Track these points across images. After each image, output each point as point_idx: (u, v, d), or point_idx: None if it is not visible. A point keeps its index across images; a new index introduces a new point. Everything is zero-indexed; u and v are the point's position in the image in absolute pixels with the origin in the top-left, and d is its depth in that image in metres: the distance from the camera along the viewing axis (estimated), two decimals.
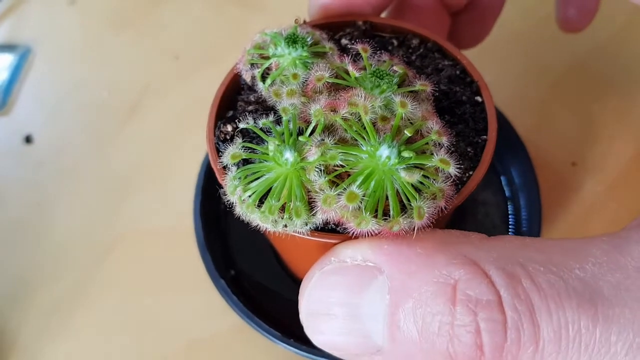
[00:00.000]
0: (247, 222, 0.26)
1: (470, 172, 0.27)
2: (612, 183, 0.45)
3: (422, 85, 0.27)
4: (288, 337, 0.37)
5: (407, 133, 0.24)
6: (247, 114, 0.29)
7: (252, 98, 0.30)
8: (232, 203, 0.25)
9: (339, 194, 0.23)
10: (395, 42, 0.33)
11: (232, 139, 0.28)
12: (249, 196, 0.25)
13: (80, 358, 0.42)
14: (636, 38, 0.52)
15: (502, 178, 0.44)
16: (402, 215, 0.23)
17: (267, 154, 0.25)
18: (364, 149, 0.24)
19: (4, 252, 0.46)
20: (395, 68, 0.27)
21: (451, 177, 0.24)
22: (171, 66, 0.54)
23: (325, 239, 0.25)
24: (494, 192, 0.43)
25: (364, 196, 0.23)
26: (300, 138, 0.25)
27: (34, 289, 0.44)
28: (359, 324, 0.23)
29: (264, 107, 0.29)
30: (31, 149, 0.51)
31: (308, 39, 0.29)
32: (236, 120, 0.28)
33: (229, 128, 0.29)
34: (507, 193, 0.43)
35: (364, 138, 0.24)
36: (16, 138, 0.52)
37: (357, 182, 0.23)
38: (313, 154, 0.24)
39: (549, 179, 0.45)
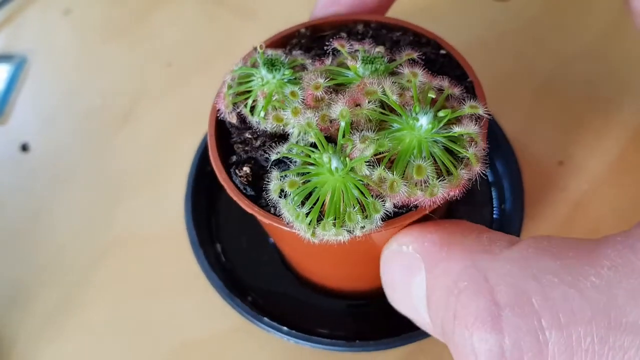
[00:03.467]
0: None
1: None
2: (597, 182, 0.46)
3: (408, 55, 0.28)
4: (291, 329, 0.38)
5: (431, 95, 0.25)
6: (257, 149, 0.29)
7: (248, 135, 0.30)
8: (300, 229, 0.25)
9: (402, 176, 0.24)
10: (344, 34, 0.33)
11: (254, 178, 0.28)
12: (307, 214, 0.25)
13: None
14: (622, 39, 0.53)
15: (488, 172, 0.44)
16: (460, 168, 0.25)
17: (317, 170, 0.25)
18: (398, 127, 0.25)
19: (1, 258, 0.47)
20: (377, 49, 0.28)
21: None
22: (164, 73, 0.55)
23: (395, 225, 0.26)
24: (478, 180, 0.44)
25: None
26: (340, 142, 0.25)
27: (31, 293, 0.45)
28: (413, 302, 0.26)
29: (270, 137, 0.29)
30: (28, 157, 0.52)
31: (282, 58, 0.29)
32: (249, 160, 0.28)
33: (247, 169, 0.28)
34: (490, 180, 0.44)
35: (394, 119, 0.25)
36: (13, 147, 0.52)
37: (412, 157, 0.25)
38: (362, 150, 0.24)
39: (535, 178, 0.46)
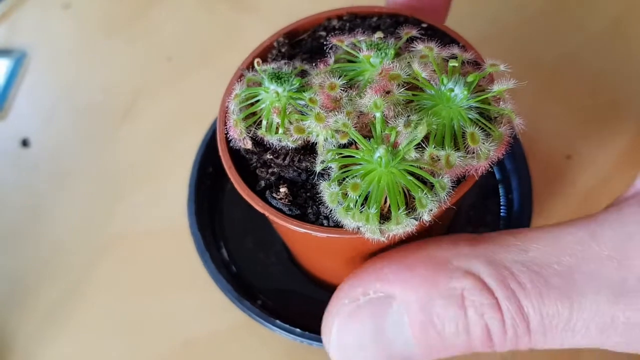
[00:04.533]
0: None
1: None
2: (606, 176, 0.46)
3: (407, 34, 0.28)
4: (294, 326, 0.37)
5: (454, 64, 0.25)
6: (285, 169, 0.28)
7: (269, 156, 0.28)
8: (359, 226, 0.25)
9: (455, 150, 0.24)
10: (322, 33, 0.32)
11: (293, 196, 0.27)
12: (360, 204, 0.24)
13: (77, 359, 0.42)
14: (628, 32, 0.52)
15: (494, 166, 0.44)
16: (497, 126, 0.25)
17: (365, 170, 0.25)
18: (433, 102, 0.25)
19: (1, 254, 0.47)
20: (377, 36, 0.28)
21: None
22: (164, 68, 0.55)
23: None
24: (485, 174, 0.43)
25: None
26: (379, 133, 0.25)
27: (31, 291, 0.45)
28: (388, 348, 0.26)
29: (296, 151, 0.28)
30: (28, 153, 0.51)
31: (285, 69, 0.28)
32: (283, 181, 0.27)
33: (285, 190, 0.27)
34: (497, 175, 0.43)
35: (425, 97, 0.25)
36: (13, 142, 0.52)
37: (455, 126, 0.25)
38: (407, 135, 0.24)
39: (543, 172, 0.45)
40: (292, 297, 0.42)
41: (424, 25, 0.32)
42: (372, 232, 0.24)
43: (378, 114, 0.24)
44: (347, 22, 0.33)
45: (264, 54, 0.32)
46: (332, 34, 0.32)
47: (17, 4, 0.59)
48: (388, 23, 0.32)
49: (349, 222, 0.25)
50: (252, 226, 0.43)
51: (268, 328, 0.38)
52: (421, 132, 0.24)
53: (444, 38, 0.31)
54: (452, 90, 0.25)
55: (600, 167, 0.46)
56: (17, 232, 0.47)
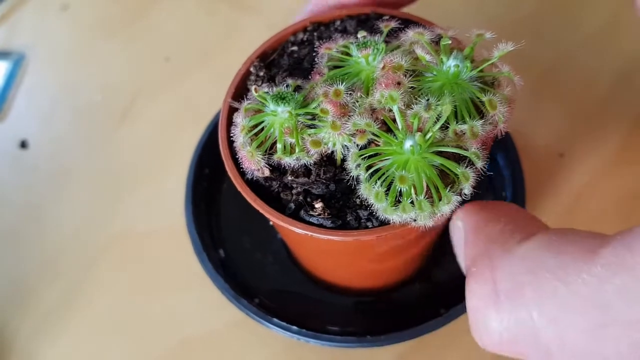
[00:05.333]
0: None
1: None
2: (598, 174, 0.46)
3: (387, 26, 0.29)
4: (291, 324, 0.38)
5: (447, 41, 0.27)
6: (313, 185, 0.28)
7: (290, 177, 0.28)
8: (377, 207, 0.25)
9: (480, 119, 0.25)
10: (294, 48, 0.33)
11: (335, 212, 0.27)
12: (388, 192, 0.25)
13: (77, 358, 0.43)
14: (622, 32, 0.53)
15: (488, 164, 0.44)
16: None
17: (397, 163, 0.25)
18: (442, 82, 0.26)
19: (0, 255, 0.47)
20: (361, 35, 0.28)
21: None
22: (162, 68, 0.55)
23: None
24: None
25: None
26: (402, 123, 0.25)
27: (31, 291, 0.45)
28: (462, 262, 0.29)
29: (317, 165, 0.28)
30: (27, 154, 0.52)
31: (284, 87, 0.28)
32: (312, 201, 0.27)
33: (320, 205, 0.27)
34: (490, 173, 0.44)
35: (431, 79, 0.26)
36: (12, 143, 0.52)
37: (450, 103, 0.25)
38: (430, 118, 0.25)
39: (536, 170, 0.45)
40: (288, 296, 0.42)
41: (389, 16, 0.32)
42: (424, 219, 0.25)
43: (395, 107, 0.25)
44: (313, 32, 0.33)
45: (243, 81, 0.32)
46: (302, 46, 0.32)
47: (15, 6, 0.60)
48: (353, 24, 0.32)
49: (397, 216, 0.25)
50: (248, 226, 0.44)
51: (265, 326, 0.39)
52: (446, 111, 0.24)
53: (419, 26, 0.30)
54: (457, 66, 0.26)
55: (593, 166, 0.47)
56: (17, 232, 0.48)
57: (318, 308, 0.41)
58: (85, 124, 0.53)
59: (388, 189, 0.25)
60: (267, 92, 0.28)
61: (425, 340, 0.40)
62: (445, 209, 0.25)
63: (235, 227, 0.44)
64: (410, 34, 0.27)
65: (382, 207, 0.25)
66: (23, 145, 0.52)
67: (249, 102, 0.28)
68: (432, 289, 0.42)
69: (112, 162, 0.50)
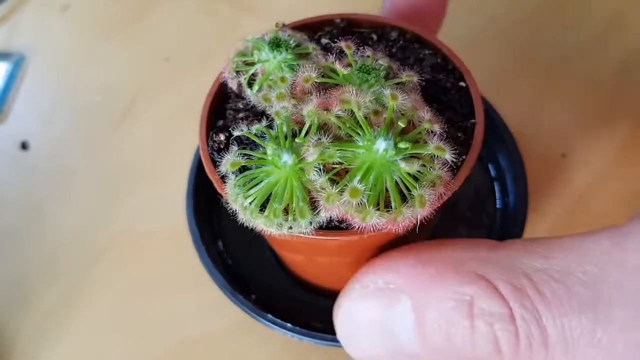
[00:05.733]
0: (251, 228, 0.26)
1: (464, 156, 0.27)
2: (601, 174, 0.46)
3: (408, 77, 0.27)
4: (286, 321, 0.38)
5: (401, 124, 0.24)
6: (238, 121, 0.29)
7: (240, 105, 0.30)
8: (235, 211, 0.26)
9: (341, 191, 0.23)
10: (374, 37, 0.33)
11: (226, 147, 0.28)
12: (250, 202, 0.25)
13: (77, 359, 0.43)
14: (624, 31, 0.53)
15: (490, 165, 0.44)
16: (404, 205, 0.24)
17: (265, 159, 0.25)
18: (361, 144, 0.24)
19: (1, 256, 0.47)
20: (380, 62, 0.27)
21: (447, 163, 0.24)
22: (162, 68, 0.55)
23: (329, 236, 0.26)
24: (481, 173, 0.44)
25: (365, 191, 0.23)
26: (296, 140, 0.25)
27: (31, 291, 0.45)
28: (393, 339, 0.26)
29: (254, 113, 0.29)
30: (27, 155, 0.52)
31: (291, 42, 0.29)
32: (229, 129, 0.28)
33: (222, 137, 0.29)
34: (493, 174, 0.44)
35: (359, 134, 0.24)
36: (12, 145, 0.52)
37: (357, 178, 0.24)
38: (311, 154, 0.24)
39: (539, 170, 0.45)
40: (285, 293, 0.42)
41: (462, 84, 0.31)
42: (237, 208, 0.25)
43: (308, 122, 0.25)
44: (405, 40, 0.33)
45: (319, 26, 0.33)
46: (381, 42, 0.32)
47: (15, 7, 0.59)
48: (434, 62, 0.32)
49: (228, 191, 0.26)
50: (250, 229, 0.44)
51: (261, 322, 0.38)
52: (313, 156, 0.24)
53: (466, 105, 0.30)
54: (373, 142, 0.24)
55: (596, 166, 0.46)
56: (17, 233, 0.48)
57: (311, 306, 0.41)
58: (85, 124, 0.53)
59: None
60: (292, 36, 0.29)
61: None
62: (259, 222, 0.25)
63: (235, 223, 0.44)
64: (388, 92, 0.25)
65: (224, 172, 0.26)
66: (23, 146, 0.52)
67: (267, 36, 0.29)
68: None
69: (112, 163, 0.50)
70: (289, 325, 0.38)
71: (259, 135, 0.27)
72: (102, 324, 0.44)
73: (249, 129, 0.27)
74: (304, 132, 0.25)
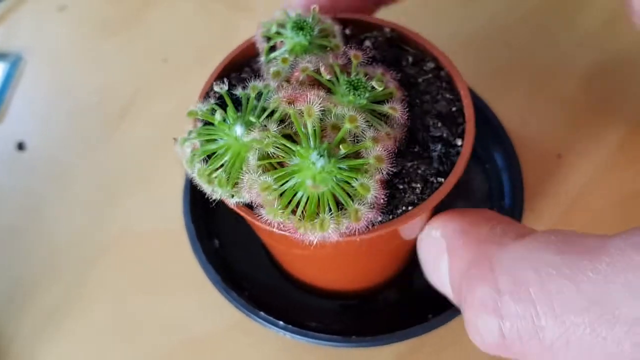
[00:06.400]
0: (247, 227, 0.27)
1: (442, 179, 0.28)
2: (596, 175, 0.46)
3: (391, 109, 0.26)
4: (278, 319, 0.38)
5: (343, 149, 0.24)
6: (241, 80, 0.30)
7: (255, 67, 0.31)
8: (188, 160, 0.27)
9: (260, 178, 0.24)
10: (410, 60, 0.32)
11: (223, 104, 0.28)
12: (194, 155, 0.27)
13: (75, 359, 0.43)
14: (621, 31, 0.53)
15: (486, 165, 0.44)
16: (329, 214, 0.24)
17: (219, 127, 0.26)
18: (300, 148, 0.24)
19: None
20: (375, 83, 0.27)
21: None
22: (160, 69, 0.55)
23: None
24: (479, 173, 0.44)
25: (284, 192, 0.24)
26: (251, 118, 0.26)
27: (29, 293, 0.45)
28: (441, 277, 0.29)
29: (264, 81, 0.29)
30: (24, 156, 0.51)
31: (315, 29, 0.29)
32: (231, 82, 0.30)
33: (219, 88, 0.29)
34: (489, 173, 0.44)
35: (296, 142, 0.25)
36: (8, 145, 0.52)
37: (277, 175, 0.24)
38: (252, 135, 0.25)
39: (534, 171, 0.45)
40: (278, 290, 0.42)
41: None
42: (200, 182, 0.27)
43: (271, 107, 0.26)
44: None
45: (369, 28, 0.33)
46: (402, 59, 0.32)
47: (12, 7, 0.59)
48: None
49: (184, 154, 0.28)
50: (247, 227, 0.44)
51: (253, 319, 0.38)
52: (252, 136, 0.25)
53: (456, 127, 0.30)
54: (309, 151, 0.24)
55: (591, 167, 0.46)
56: (15, 234, 0.48)
57: (303, 306, 0.41)
58: (82, 125, 0.53)
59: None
60: (306, 21, 0.29)
61: (423, 340, 0.40)
62: (200, 180, 0.26)
63: (232, 219, 0.44)
64: (349, 113, 0.25)
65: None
66: (20, 147, 0.52)
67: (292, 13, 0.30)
68: (415, 293, 0.42)
69: (110, 163, 0.50)
70: (281, 323, 0.38)
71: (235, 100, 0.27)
72: (101, 324, 0.44)
73: (241, 90, 0.28)
74: (265, 115, 0.26)
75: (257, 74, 0.30)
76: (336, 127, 0.25)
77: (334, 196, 0.24)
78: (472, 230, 0.27)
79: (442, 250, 0.28)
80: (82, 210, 0.48)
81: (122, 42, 0.57)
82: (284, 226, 0.25)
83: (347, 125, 0.24)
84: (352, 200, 0.24)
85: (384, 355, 0.41)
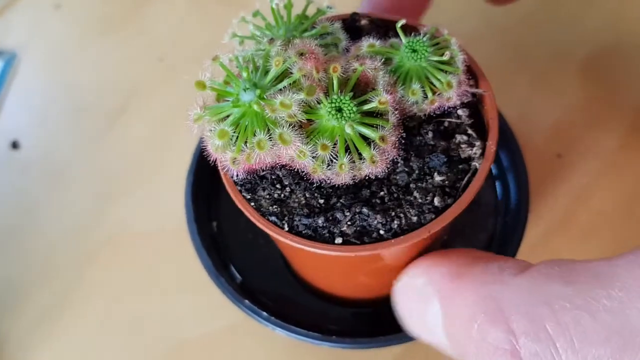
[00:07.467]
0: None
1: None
2: (597, 174, 0.46)
3: (381, 103, 0.27)
4: (262, 309, 0.38)
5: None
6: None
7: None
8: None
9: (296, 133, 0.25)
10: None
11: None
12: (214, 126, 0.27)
13: None
14: (621, 30, 0.53)
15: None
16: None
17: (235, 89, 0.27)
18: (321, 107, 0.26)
19: None
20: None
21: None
22: (156, 68, 0.55)
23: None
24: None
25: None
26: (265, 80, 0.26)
27: (23, 292, 0.44)
28: (429, 328, 0.27)
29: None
30: (18, 155, 0.51)
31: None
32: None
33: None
34: (495, 172, 0.44)
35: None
36: (3, 144, 0.51)
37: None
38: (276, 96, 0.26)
39: (534, 171, 0.45)
40: (279, 287, 0.41)
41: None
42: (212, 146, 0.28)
43: (275, 68, 0.27)
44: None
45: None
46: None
47: (7, 5, 0.59)
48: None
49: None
50: (252, 226, 0.43)
51: (238, 307, 0.38)
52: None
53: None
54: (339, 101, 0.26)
55: (591, 166, 0.46)
56: (9, 234, 0.47)
57: (296, 299, 0.41)
58: (78, 124, 0.52)
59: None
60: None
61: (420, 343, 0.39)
62: (215, 143, 0.27)
63: (233, 208, 0.43)
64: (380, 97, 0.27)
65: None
66: (14, 145, 0.52)
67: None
68: None
69: (105, 163, 0.50)
70: (264, 313, 0.37)
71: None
72: (96, 325, 0.43)
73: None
74: (273, 74, 0.27)
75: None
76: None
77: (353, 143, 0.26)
78: (466, 272, 0.25)
79: (427, 298, 0.27)
80: (77, 209, 0.48)
81: (118, 40, 0.57)
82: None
83: (383, 106, 0.26)
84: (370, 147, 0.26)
85: (380, 357, 0.40)
